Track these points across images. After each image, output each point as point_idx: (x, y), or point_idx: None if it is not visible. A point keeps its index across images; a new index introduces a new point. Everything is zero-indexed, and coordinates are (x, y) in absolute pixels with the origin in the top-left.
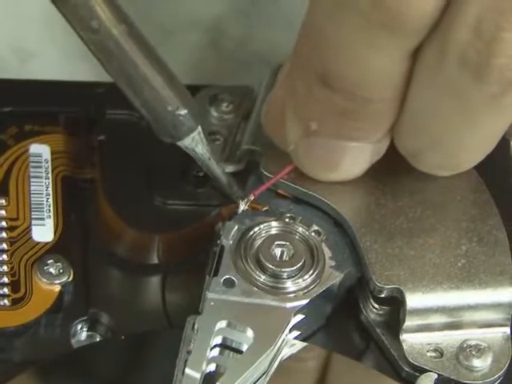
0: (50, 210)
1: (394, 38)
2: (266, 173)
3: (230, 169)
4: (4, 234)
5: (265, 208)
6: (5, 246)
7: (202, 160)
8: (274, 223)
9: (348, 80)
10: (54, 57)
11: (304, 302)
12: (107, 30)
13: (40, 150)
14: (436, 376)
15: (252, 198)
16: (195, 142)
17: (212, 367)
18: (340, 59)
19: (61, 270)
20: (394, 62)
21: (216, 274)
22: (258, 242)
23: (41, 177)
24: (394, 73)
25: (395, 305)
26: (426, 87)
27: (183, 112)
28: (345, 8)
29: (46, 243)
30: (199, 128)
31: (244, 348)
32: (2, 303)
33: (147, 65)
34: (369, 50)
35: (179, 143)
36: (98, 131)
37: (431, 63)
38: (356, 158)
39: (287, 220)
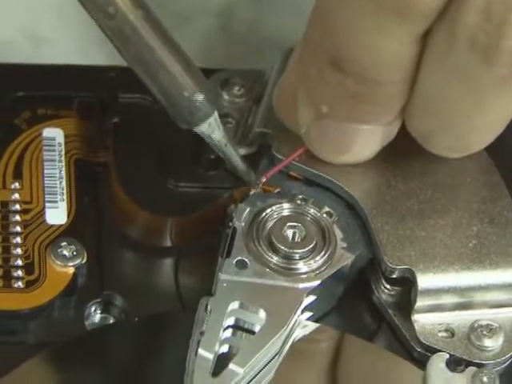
0: (63, 193)
1: (404, 22)
2: (277, 155)
3: (242, 151)
4: (18, 217)
5: (276, 190)
6: (19, 228)
7: (219, 146)
8: (285, 205)
9: (359, 63)
10: (66, 42)
11: (316, 282)
12: (124, 16)
13: (53, 134)
14: (447, 356)
15: (264, 180)
16: (211, 128)
17: (225, 348)
18: (351, 43)
19: (74, 253)
20: (403, 46)
21: (228, 255)
22: (270, 224)
23: (54, 160)
24: (404, 56)
25: (407, 285)
26: (436, 70)
27: (200, 98)
28: None
29: (60, 226)
30: (215, 114)
31: (256, 329)
32: (16, 285)
33: (164, 50)
34: (379, 35)
35: (196, 129)
36: (111, 115)
37: (440, 47)
38: (367, 140)
39: (299, 202)
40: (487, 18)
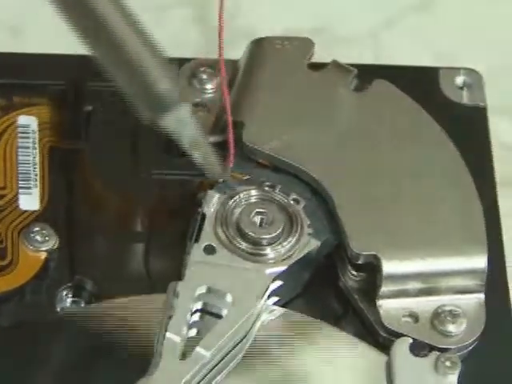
0: (36, 180)
1: None
2: (247, 143)
3: (213, 139)
4: None
5: (245, 177)
6: None
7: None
8: (253, 192)
9: None
10: (42, 31)
11: (282, 268)
12: None
13: (28, 122)
14: (411, 341)
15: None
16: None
17: (193, 332)
18: None
19: (46, 238)
20: None
21: (197, 240)
22: (238, 210)
23: (28, 147)
24: None
25: (372, 271)
26: None
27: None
28: None
29: (33, 212)
30: (186, 106)
31: (223, 313)
32: None
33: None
34: None
35: (163, 120)
36: (84, 102)
37: None
38: None
39: (266, 188)
40: None
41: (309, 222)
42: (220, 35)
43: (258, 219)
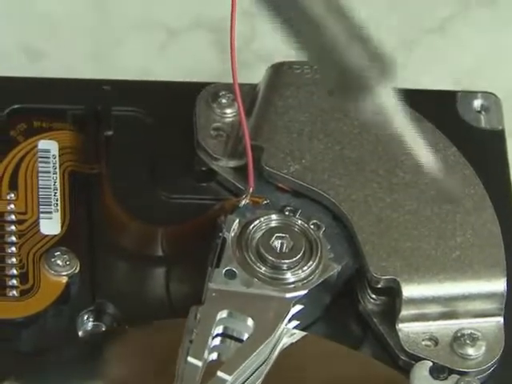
0: (57, 204)
1: None
2: (267, 168)
3: (232, 164)
4: (13, 227)
5: (265, 202)
6: (14, 238)
7: None
8: (274, 216)
9: None
10: (62, 56)
11: (303, 292)
12: None
13: (48, 146)
14: (431, 364)
15: (251, 189)
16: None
17: (214, 356)
18: None
19: (67, 262)
20: None
21: (218, 265)
22: (259, 235)
23: (49, 172)
24: None
25: (392, 295)
26: None
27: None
28: None
29: (54, 236)
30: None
31: (244, 337)
32: (10, 294)
33: None
34: None
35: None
36: (105, 127)
37: None
38: None
39: (287, 213)
40: None
41: (329, 247)
42: (232, 60)
43: (278, 244)
